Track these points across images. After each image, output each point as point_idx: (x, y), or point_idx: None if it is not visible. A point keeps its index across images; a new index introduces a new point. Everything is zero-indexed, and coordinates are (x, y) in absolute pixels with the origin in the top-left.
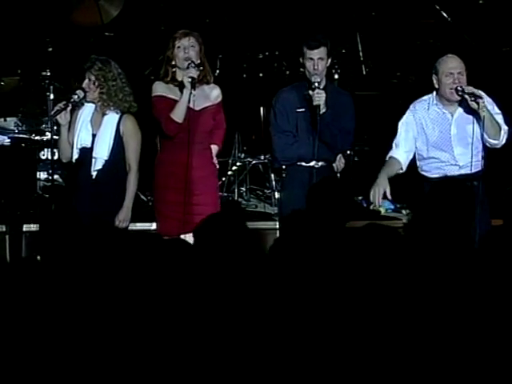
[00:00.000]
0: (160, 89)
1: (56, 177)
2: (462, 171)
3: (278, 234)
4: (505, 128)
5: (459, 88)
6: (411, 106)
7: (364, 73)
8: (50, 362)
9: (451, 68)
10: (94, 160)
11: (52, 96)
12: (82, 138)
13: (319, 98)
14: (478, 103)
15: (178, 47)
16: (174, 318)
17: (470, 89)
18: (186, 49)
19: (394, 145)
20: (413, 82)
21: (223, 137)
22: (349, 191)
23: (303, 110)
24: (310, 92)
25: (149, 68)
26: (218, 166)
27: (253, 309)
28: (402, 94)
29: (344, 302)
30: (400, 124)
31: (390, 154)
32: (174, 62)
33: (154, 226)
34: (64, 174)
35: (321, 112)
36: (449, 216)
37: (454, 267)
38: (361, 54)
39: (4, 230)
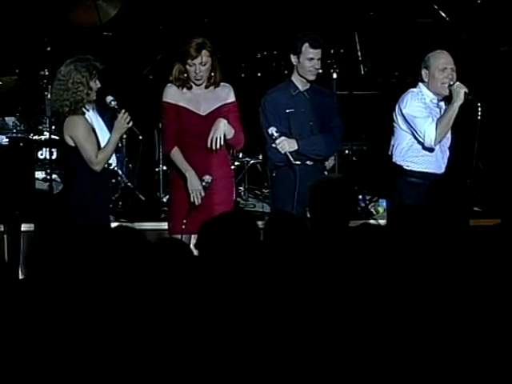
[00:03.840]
0: (170, 94)
1: (54, 176)
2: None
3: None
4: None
5: (451, 83)
6: (415, 95)
7: (362, 72)
8: (49, 362)
9: (445, 63)
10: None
11: (50, 96)
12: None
13: (282, 147)
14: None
15: (190, 66)
16: (172, 318)
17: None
18: (197, 68)
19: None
20: (411, 81)
21: (240, 140)
22: (353, 190)
23: (292, 110)
24: (273, 145)
25: (147, 67)
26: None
27: (249, 308)
28: (400, 93)
29: (338, 301)
30: (415, 114)
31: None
32: (186, 75)
33: (150, 225)
34: (62, 174)
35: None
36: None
37: (448, 265)
38: (359, 53)
39: (2, 229)
